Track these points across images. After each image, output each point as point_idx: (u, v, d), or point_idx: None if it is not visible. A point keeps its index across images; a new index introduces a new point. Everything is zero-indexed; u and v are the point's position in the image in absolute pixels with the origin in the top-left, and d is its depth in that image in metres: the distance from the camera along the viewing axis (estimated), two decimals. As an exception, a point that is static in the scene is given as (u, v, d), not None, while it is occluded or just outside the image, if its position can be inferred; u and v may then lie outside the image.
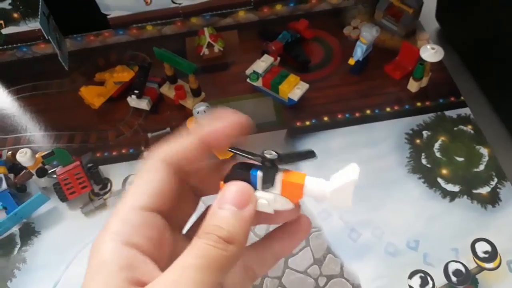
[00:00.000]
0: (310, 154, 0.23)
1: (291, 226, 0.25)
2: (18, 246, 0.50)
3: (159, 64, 0.58)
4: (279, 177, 0.22)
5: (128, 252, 0.20)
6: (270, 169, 0.22)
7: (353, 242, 0.46)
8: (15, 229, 0.51)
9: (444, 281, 0.43)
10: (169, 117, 0.59)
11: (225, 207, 0.21)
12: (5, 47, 0.68)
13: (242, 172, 0.22)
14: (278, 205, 0.22)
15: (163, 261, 0.21)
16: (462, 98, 0.56)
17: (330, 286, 0.44)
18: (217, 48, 0.63)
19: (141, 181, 0.22)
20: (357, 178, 0.21)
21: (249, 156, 0.22)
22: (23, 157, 0.51)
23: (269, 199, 0.22)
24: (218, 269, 0.20)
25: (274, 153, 0.21)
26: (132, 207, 0.21)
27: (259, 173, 0.22)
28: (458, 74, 0.59)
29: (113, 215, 0.21)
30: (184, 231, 0.25)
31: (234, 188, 0.22)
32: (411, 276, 0.44)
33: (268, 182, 0.22)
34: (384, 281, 0.44)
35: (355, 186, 0.21)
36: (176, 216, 0.24)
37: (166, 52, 0.55)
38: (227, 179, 0.22)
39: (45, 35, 0.56)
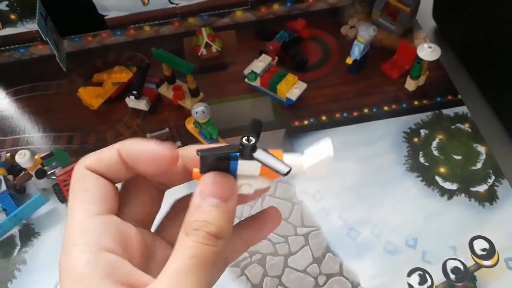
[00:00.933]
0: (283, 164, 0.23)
1: (261, 217, 0.26)
2: (18, 247, 0.50)
3: (157, 65, 0.58)
4: (259, 164, 0.22)
5: (105, 257, 0.19)
6: (250, 154, 0.22)
7: (352, 241, 0.47)
8: (14, 231, 0.51)
9: (442, 278, 0.44)
10: (167, 117, 0.59)
11: (210, 201, 0.21)
12: (3, 48, 0.68)
13: (220, 161, 0.22)
14: (257, 186, 0.23)
15: (135, 260, 0.21)
16: (459, 96, 0.57)
17: (330, 284, 0.44)
18: (215, 48, 0.64)
19: (78, 191, 0.22)
20: (333, 153, 0.22)
21: (224, 151, 0.22)
22: (22, 158, 0.51)
23: (250, 183, 0.23)
24: (211, 266, 0.20)
25: (252, 139, 0.21)
26: (85, 215, 0.21)
27: (240, 161, 0.22)
28: (455, 72, 0.59)
29: (67, 231, 0.21)
30: (153, 229, 0.25)
31: (216, 180, 0.21)
32: (410, 274, 0.44)
33: (250, 164, 0.22)
34: (383, 279, 0.44)
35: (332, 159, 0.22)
36: (138, 214, 0.24)
37: (164, 53, 0.55)
38: (203, 169, 0.22)
39: (43, 36, 0.56)
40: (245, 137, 0.21)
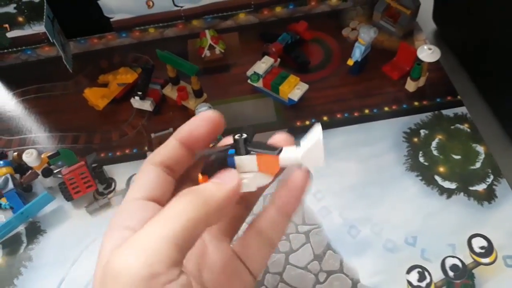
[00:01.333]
0: (275, 149, 0.24)
1: (285, 181, 0.27)
2: (25, 244, 0.51)
3: (161, 66, 0.59)
4: (254, 157, 0.23)
5: (125, 234, 0.22)
6: (244, 148, 0.23)
7: (352, 239, 0.47)
8: (21, 228, 0.52)
9: (441, 276, 0.44)
10: (171, 118, 0.60)
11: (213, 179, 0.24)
12: (10, 50, 0.69)
13: (219, 160, 0.23)
14: (258, 182, 0.24)
15: None
16: (458, 97, 0.57)
17: (330, 281, 0.45)
18: (218, 50, 0.65)
19: (136, 181, 0.25)
20: (322, 136, 0.23)
21: (221, 148, 0.24)
22: (29, 157, 0.52)
23: (249, 178, 0.23)
24: (183, 229, 0.20)
25: (244, 134, 0.23)
26: (129, 199, 0.24)
27: (236, 156, 0.23)
28: (454, 73, 0.60)
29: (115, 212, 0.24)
30: None
31: (220, 175, 0.23)
32: (409, 271, 0.45)
33: (246, 158, 0.23)
34: (383, 276, 0.45)
35: (324, 144, 0.23)
36: None
37: (168, 54, 0.57)
38: (205, 171, 0.23)
39: (50, 38, 0.57)
40: (238, 134, 0.23)
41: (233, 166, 0.23)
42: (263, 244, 0.27)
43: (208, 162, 0.24)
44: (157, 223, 0.21)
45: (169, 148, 0.26)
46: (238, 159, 0.23)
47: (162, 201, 0.24)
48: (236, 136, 0.23)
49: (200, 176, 0.24)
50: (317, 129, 0.23)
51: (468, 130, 0.54)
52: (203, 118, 0.25)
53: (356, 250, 0.47)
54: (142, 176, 0.25)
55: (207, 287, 0.26)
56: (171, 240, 0.19)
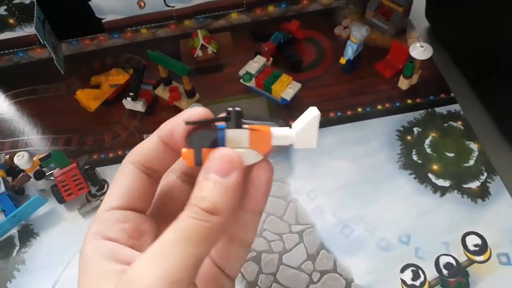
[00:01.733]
0: (272, 120, 0.23)
1: (250, 178, 0.24)
2: (17, 247, 0.51)
3: (153, 67, 0.59)
4: (246, 131, 0.22)
5: (107, 244, 0.22)
6: (237, 121, 0.22)
7: (345, 238, 0.47)
8: (14, 231, 0.52)
9: (435, 274, 0.44)
10: (164, 118, 0.58)
11: (209, 176, 0.21)
12: (2, 52, 0.69)
13: (207, 133, 0.22)
14: (249, 160, 0.22)
15: (146, 248, 0.22)
16: (452, 94, 0.57)
17: (324, 281, 0.45)
18: (210, 50, 0.64)
19: (114, 185, 0.24)
20: (319, 113, 0.22)
21: (211, 120, 0.22)
22: (21, 160, 0.52)
23: (240, 154, 0.22)
24: (200, 241, 0.20)
25: (238, 107, 0.22)
26: (106, 208, 0.23)
27: (228, 129, 0.21)
28: (448, 71, 0.60)
29: (92, 220, 0.24)
30: None
31: (216, 155, 0.21)
32: (403, 270, 0.45)
33: (237, 132, 0.22)
34: (377, 275, 0.45)
35: (319, 125, 0.22)
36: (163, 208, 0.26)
37: (159, 55, 0.56)
38: (190, 143, 0.22)
39: (41, 40, 0.57)
40: (230, 107, 0.22)
41: (222, 140, 0.22)
42: (238, 247, 0.26)
43: (196, 133, 0.22)
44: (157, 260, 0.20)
45: (150, 146, 0.24)
46: (229, 132, 0.22)
47: (141, 208, 0.24)
48: (230, 108, 0.22)
49: (184, 150, 0.22)
50: (313, 109, 0.22)
51: (462, 127, 0.54)
52: (189, 116, 0.23)
53: (349, 250, 0.46)
54: (120, 180, 0.24)
55: None
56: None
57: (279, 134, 0.22)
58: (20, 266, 0.50)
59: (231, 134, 0.22)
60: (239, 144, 0.22)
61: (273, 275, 0.46)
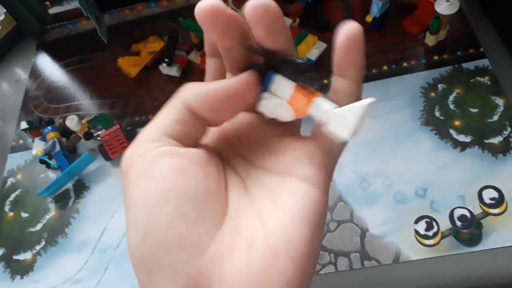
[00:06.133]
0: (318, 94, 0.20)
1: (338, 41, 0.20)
2: (72, 199, 0.58)
3: (187, 33, 0.62)
4: (293, 85, 0.20)
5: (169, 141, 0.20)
6: (293, 72, 0.20)
7: (363, 191, 0.50)
8: (69, 185, 0.59)
9: (448, 225, 0.46)
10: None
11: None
12: (53, 25, 0.75)
13: (259, 65, 0.20)
14: (279, 113, 0.21)
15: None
16: (481, 49, 0.56)
17: (340, 229, 0.48)
18: (240, 14, 0.66)
19: (157, 118, 0.20)
20: (365, 109, 0.19)
21: (269, 57, 0.20)
22: (71, 122, 0.58)
23: (274, 103, 0.21)
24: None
25: (301, 60, 0.20)
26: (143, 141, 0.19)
27: (278, 75, 0.20)
28: (478, 25, 0.58)
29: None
30: None
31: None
32: (417, 221, 0.47)
33: (285, 82, 0.20)
34: (391, 226, 0.47)
35: (364, 117, 0.19)
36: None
37: (190, 22, 0.60)
38: (245, 67, 0.20)
39: (84, 12, 0.62)
40: (294, 57, 0.20)
41: (269, 81, 0.20)
42: None
43: (251, 62, 0.20)
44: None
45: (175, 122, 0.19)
46: (278, 78, 0.20)
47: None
48: (292, 58, 0.20)
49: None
50: (365, 100, 0.19)
51: (489, 82, 0.53)
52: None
53: (366, 202, 0.49)
54: (162, 115, 0.20)
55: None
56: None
57: (321, 104, 0.20)
58: (75, 214, 0.57)
59: (279, 80, 0.20)
60: (280, 94, 0.20)
61: (293, 225, 0.49)
